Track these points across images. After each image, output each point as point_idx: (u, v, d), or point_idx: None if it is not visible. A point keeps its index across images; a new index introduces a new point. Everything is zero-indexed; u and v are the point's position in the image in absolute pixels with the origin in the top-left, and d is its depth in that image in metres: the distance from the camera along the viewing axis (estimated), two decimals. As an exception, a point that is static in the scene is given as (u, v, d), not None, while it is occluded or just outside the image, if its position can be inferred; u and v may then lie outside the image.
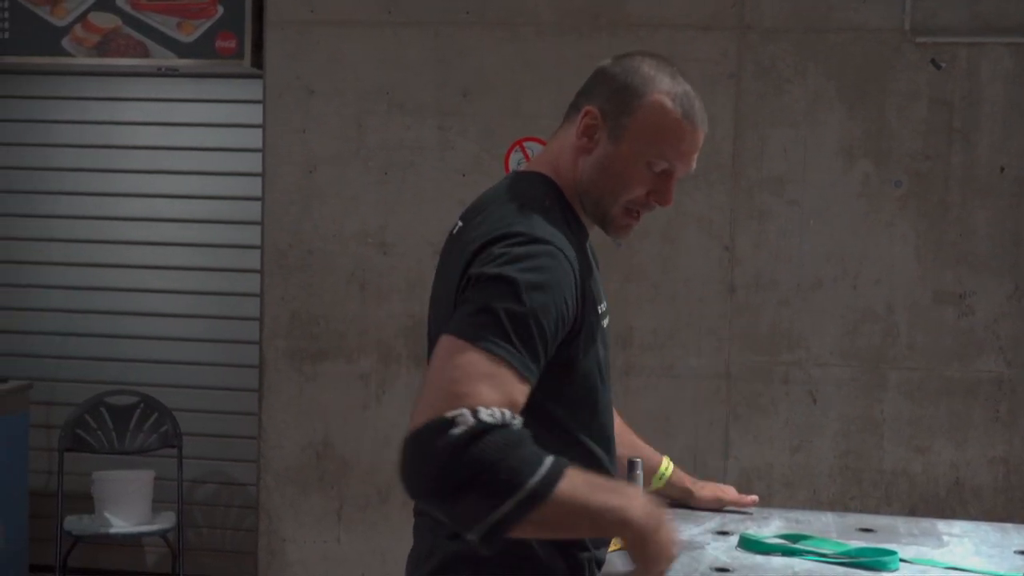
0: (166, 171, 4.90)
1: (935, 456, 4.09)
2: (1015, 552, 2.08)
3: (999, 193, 4.04)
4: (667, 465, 2.30)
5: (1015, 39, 4.00)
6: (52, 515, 4.54)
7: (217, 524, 4.91)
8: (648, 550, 1.61)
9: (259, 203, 4.42)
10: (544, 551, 1.79)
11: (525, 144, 4.24)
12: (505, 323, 1.63)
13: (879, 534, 2.16)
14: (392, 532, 4.33)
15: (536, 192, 1.85)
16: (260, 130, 4.39)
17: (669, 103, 1.84)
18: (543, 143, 4.21)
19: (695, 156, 1.86)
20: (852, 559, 1.97)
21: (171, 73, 4.71)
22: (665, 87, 1.85)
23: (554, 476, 1.53)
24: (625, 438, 2.25)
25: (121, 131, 4.93)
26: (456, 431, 1.52)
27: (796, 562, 1.98)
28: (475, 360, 1.60)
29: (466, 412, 1.53)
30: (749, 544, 2.05)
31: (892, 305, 4.09)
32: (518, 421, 1.58)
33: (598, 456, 1.85)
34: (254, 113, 4.54)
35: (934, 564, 1.98)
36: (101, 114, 4.94)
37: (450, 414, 1.53)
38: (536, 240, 1.71)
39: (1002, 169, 4.05)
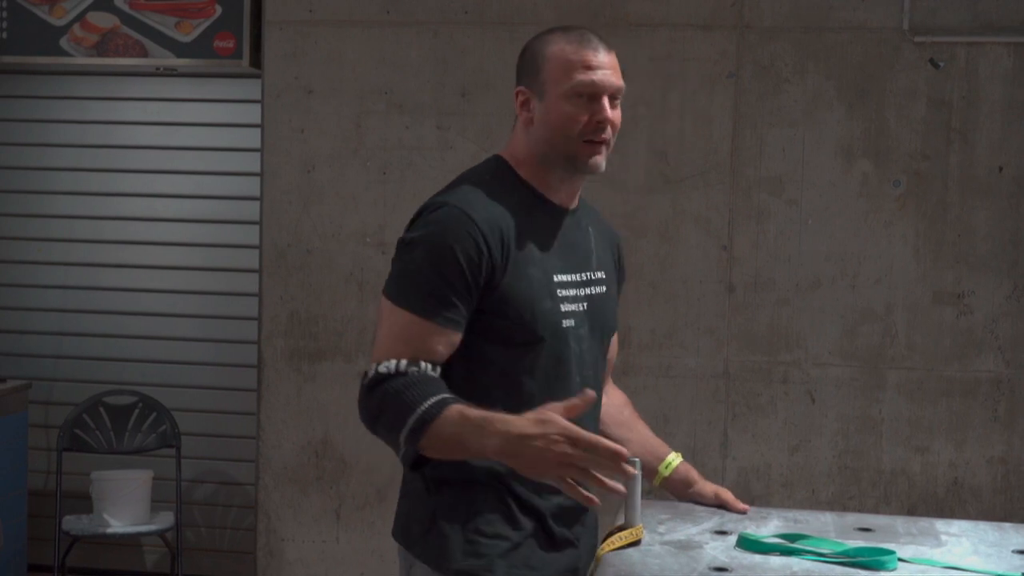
0: (165, 171, 4.90)
1: (934, 456, 4.09)
2: (1013, 552, 2.08)
3: (998, 193, 4.04)
4: (674, 457, 2.37)
5: (1014, 39, 4.00)
6: (51, 515, 4.54)
7: (216, 524, 4.91)
8: (523, 468, 1.83)
9: (258, 203, 4.42)
10: (466, 485, 2.04)
11: (524, 144, 4.23)
12: (414, 280, 1.98)
13: (877, 534, 2.16)
14: (390, 531, 4.33)
15: (479, 169, 2.14)
16: (259, 130, 4.39)
17: (563, 43, 2.08)
18: (542, 143, 4.23)
19: (608, 72, 2.07)
20: (850, 559, 1.97)
21: (169, 73, 4.70)
22: (557, 36, 2.11)
23: (429, 415, 1.87)
24: (637, 429, 2.39)
25: (119, 131, 4.93)
26: (364, 381, 1.97)
27: (794, 562, 1.98)
28: (394, 318, 2.00)
29: (372, 367, 1.97)
30: (747, 544, 2.05)
31: (891, 305, 4.09)
32: (419, 367, 1.94)
33: (538, 399, 1.96)
34: (253, 113, 4.54)
35: (932, 564, 1.98)
36: (99, 114, 4.94)
37: (367, 368, 1.98)
38: (440, 205, 2.02)
39: (1001, 169, 4.05)
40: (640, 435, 2.37)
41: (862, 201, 4.10)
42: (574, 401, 1.83)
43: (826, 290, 4.11)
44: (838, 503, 4.11)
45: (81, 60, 4.47)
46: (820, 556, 2.00)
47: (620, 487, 1.80)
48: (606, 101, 2.06)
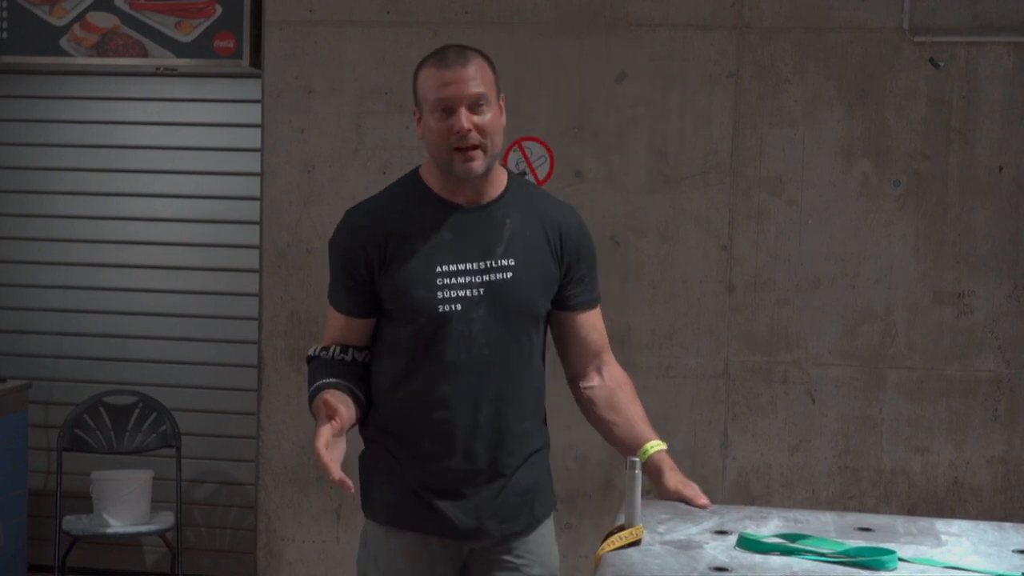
0: (165, 171, 4.89)
1: (934, 456, 4.09)
2: (1013, 551, 2.08)
3: (998, 193, 4.04)
4: (653, 445, 2.44)
5: (1014, 38, 4.00)
6: (51, 515, 4.54)
7: (216, 524, 4.91)
8: None
9: (258, 203, 4.42)
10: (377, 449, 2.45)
11: (524, 143, 4.24)
12: (331, 279, 2.45)
13: (878, 533, 2.16)
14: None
15: (396, 181, 2.49)
16: (259, 130, 4.39)
17: (428, 65, 2.34)
18: (542, 143, 4.23)
19: (460, 84, 2.29)
20: (851, 558, 1.97)
21: (170, 73, 4.70)
22: (427, 60, 2.36)
23: (310, 398, 2.34)
24: (625, 413, 2.52)
25: (120, 131, 4.92)
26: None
27: (795, 561, 1.98)
28: (328, 309, 2.47)
29: (313, 348, 2.47)
30: (748, 544, 2.05)
31: (891, 305, 4.09)
32: (329, 351, 2.41)
33: (414, 368, 2.38)
34: (253, 113, 4.54)
35: (932, 563, 1.98)
36: (99, 114, 4.93)
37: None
38: (344, 216, 2.47)
39: (1001, 169, 4.05)
40: (627, 419, 2.50)
41: (862, 201, 4.10)
42: (331, 418, 2.18)
43: (826, 290, 4.11)
44: (838, 503, 4.11)
45: (81, 60, 4.47)
46: (820, 556, 2.00)
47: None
48: (463, 111, 2.29)
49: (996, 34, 4.02)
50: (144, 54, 4.41)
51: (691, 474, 4.34)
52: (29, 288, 4.98)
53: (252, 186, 4.56)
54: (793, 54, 4.10)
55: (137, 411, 4.63)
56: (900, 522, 2.26)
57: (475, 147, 2.30)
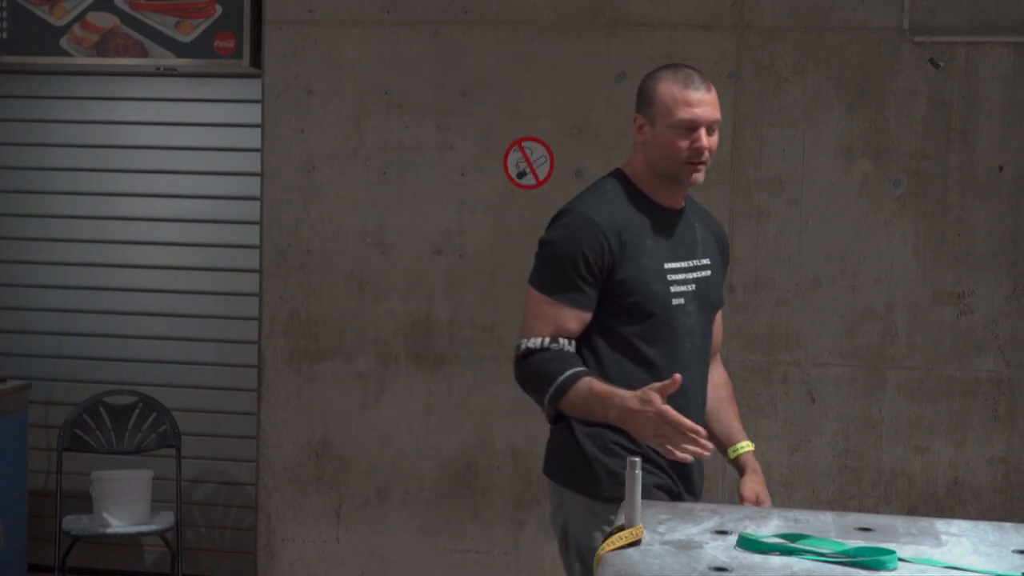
0: (165, 171, 4.89)
1: (934, 456, 4.09)
2: (1013, 551, 2.08)
3: (998, 193, 4.04)
4: (744, 445, 2.76)
5: (1014, 38, 4.00)
6: (51, 515, 4.54)
7: (216, 524, 4.91)
8: (633, 431, 2.40)
9: (258, 203, 4.41)
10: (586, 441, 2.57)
11: (524, 144, 4.24)
12: (549, 270, 2.56)
13: (878, 533, 2.16)
14: (391, 531, 4.34)
15: (601, 181, 2.67)
16: (259, 130, 4.39)
17: (671, 82, 2.58)
18: (542, 143, 4.23)
19: (706, 107, 2.55)
20: (851, 558, 1.97)
21: (170, 73, 4.70)
22: (667, 76, 2.60)
23: (565, 386, 2.47)
24: (722, 412, 2.80)
25: (120, 131, 4.92)
26: (517, 353, 2.56)
27: (795, 561, 1.98)
28: (535, 301, 2.58)
29: (523, 341, 2.55)
30: (748, 544, 2.05)
31: (891, 305, 4.09)
32: (559, 343, 2.52)
33: (651, 359, 2.56)
34: (253, 113, 4.54)
35: (932, 563, 1.98)
36: (99, 114, 4.93)
37: (519, 342, 2.57)
38: (569, 211, 2.59)
39: (1001, 169, 4.05)
40: (723, 417, 2.81)
41: (862, 201, 4.10)
42: (666, 383, 2.34)
43: (826, 290, 4.11)
44: (838, 503, 4.11)
45: (81, 60, 4.47)
46: (820, 556, 2.00)
47: (689, 457, 2.32)
48: (703, 132, 2.55)
49: (996, 34, 4.02)
50: (144, 54, 4.41)
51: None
52: (29, 288, 4.98)
53: (252, 186, 4.56)
54: (793, 54, 4.10)
55: (137, 411, 4.63)
56: (900, 522, 2.26)
57: (704, 163, 2.57)
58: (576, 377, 2.47)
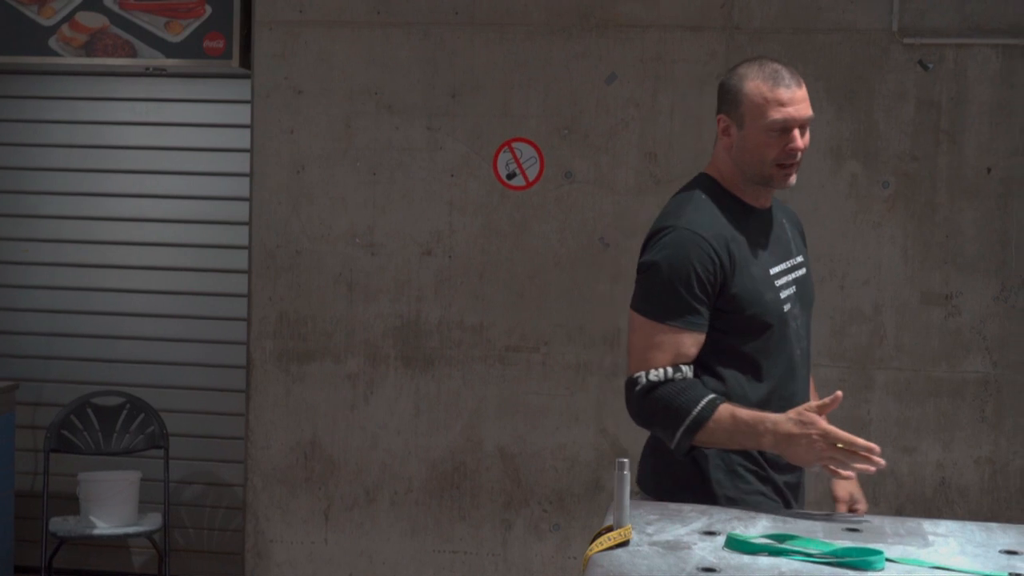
0: (154, 171, 4.88)
1: (922, 456, 4.10)
2: (1000, 552, 2.09)
3: (986, 194, 4.05)
4: None
5: (1002, 40, 4.01)
6: (38, 516, 4.52)
7: (204, 525, 4.89)
8: (793, 459, 2.31)
9: (247, 203, 4.41)
10: (714, 470, 2.43)
11: (514, 144, 4.24)
12: (660, 294, 2.38)
13: (865, 534, 2.17)
14: (379, 532, 4.33)
15: (691, 190, 2.50)
16: (248, 130, 4.38)
17: (759, 79, 2.40)
18: (532, 143, 4.23)
19: (799, 105, 2.40)
20: (838, 559, 1.97)
21: (159, 73, 4.69)
22: (754, 73, 2.42)
23: (703, 417, 2.32)
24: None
25: (109, 131, 4.91)
26: (637, 388, 2.38)
27: (783, 562, 1.98)
28: (647, 330, 2.40)
29: (642, 374, 2.37)
30: (736, 544, 2.05)
31: (880, 306, 4.10)
32: (682, 372, 2.36)
33: (767, 372, 2.44)
34: (242, 113, 4.53)
35: (920, 564, 1.99)
36: (89, 114, 4.91)
37: (635, 375, 2.39)
38: (671, 228, 2.41)
39: (989, 170, 4.06)
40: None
41: (851, 202, 4.11)
42: (825, 401, 2.29)
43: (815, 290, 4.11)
44: (826, 503, 4.11)
45: (70, 60, 4.46)
46: (808, 556, 2.00)
47: (872, 468, 2.28)
48: (797, 132, 2.41)
49: (984, 36, 4.03)
50: (133, 54, 4.40)
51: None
52: (17, 288, 4.96)
53: (241, 187, 4.55)
54: (782, 55, 4.10)
55: (125, 412, 4.62)
56: (888, 522, 2.27)
57: (797, 164, 2.44)
58: (714, 406, 2.32)
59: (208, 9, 4.36)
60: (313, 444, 4.35)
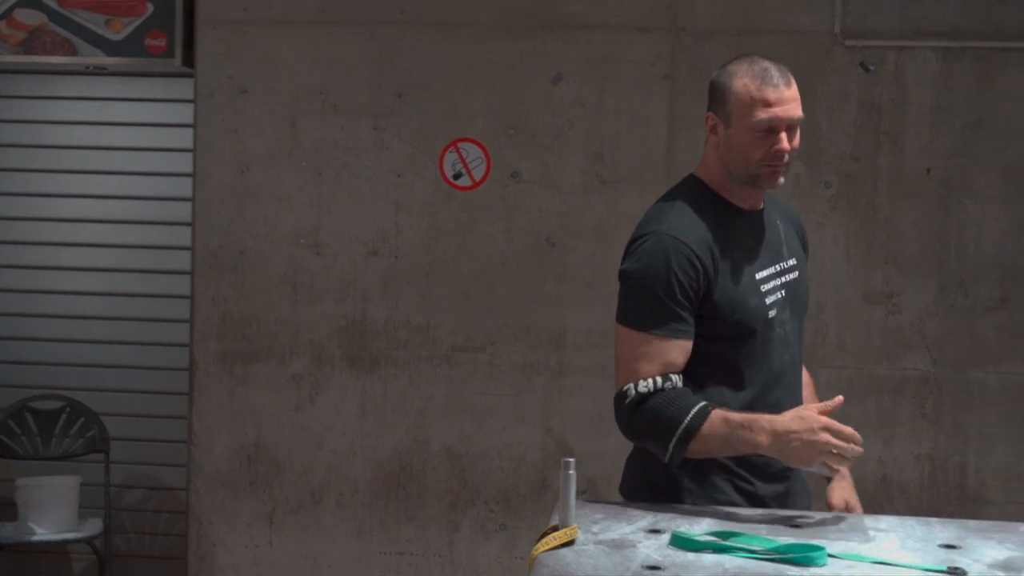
0: (95, 171, 4.82)
1: (863, 453, 4.13)
2: (939, 546, 2.11)
3: (926, 195, 4.11)
4: None
5: (941, 43, 4.07)
6: (-25, 522, 4.44)
7: (146, 530, 4.84)
8: (790, 459, 2.22)
9: (190, 203, 4.36)
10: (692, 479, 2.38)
11: (460, 144, 4.23)
12: (642, 303, 2.32)
13: (807, 530, 2.18)
14: (325, 535, 4.30)
15: (675, 193, 2.44)
16: (191, 130, 4.33)
17: (747, 78, 2.34)
18: (479, 144, 4.22)
19: (786, 106, 2.33)
20: (781, 555, 1.98)
21: (100, 72, 4.63)
22: (743, 71, 2.35)
23: (695, 425, 2.24)
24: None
25: (49, 130, 4.84)
26: (627, 401, 2.32)
27: (727, 559, 1.99)
28: (632, 341, 2.33)
29: (631, 387, 2.31)
30: (680, 542, 2.05)
31: (822, 305, 4.14)
32: (671, 381, 2.29)
33: (749, 379, 2.38)
34: (185, 113, 4.48)
35: (861, 559, 2.00)
36: (28, 113, 4.84)
37: (623, 388, 2.32)
38: (651, 234, 2.35)
39: (928, 171, 4.12)
40: None
41: (794, 202, 4.13)
42: (827, 405, 2.24)
43: (759, 291, 4.15)
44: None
45: (8, 58, 4.39)
46: (752, 553, 2.01)
47: (860, 450, 2.21)
48: (784, 133, 2.34)
49: (924, 39, 4.09)
50: (73, 52, 4.33)
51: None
52: (-47, 291, 4.87)
53: (184, 187, 4.50)
54: (728, 56, 4.12)
55: (64, 416, 4.55)
56: (830, 518, 2.28)
57: (786, 165, 2.37)
58: (705, 413, 2.24)
59: (150, 7, 4.30)
60: (257, 446, 4.30)
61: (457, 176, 4.24)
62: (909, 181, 4.11)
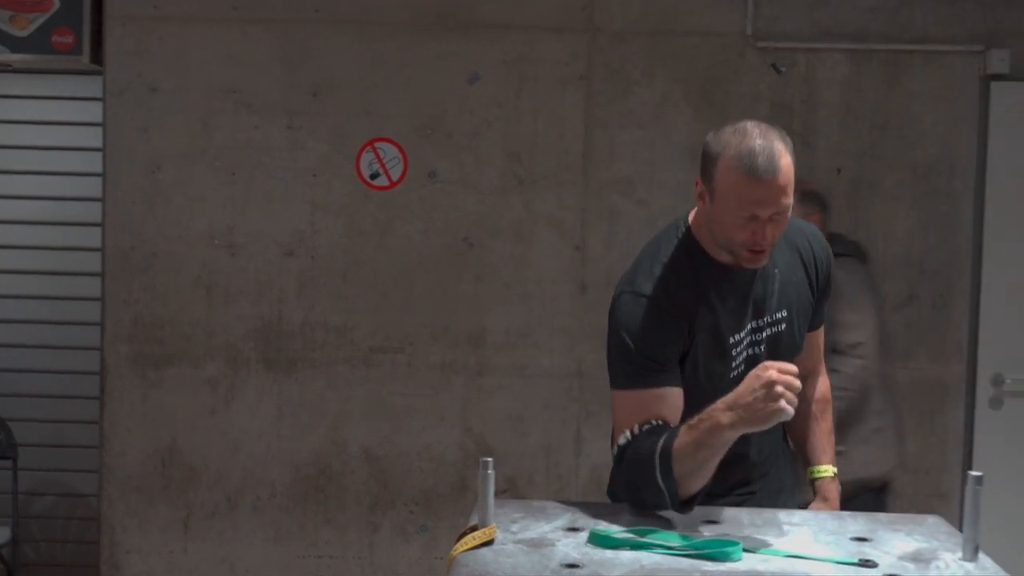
0: (1, 171, 4.71)
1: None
2: (851, 539, 2.16)
3: (836, 194, 4.19)
4: (824, 469, 2.63)
5: (850, 45, 4.16)
6: None
7: (56, 537, 4.75)
8: (755, 421, 2.11)
9: (100, 204, 4.27)
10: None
11: (377, 144, 4.20)
12: (621, 363, 2.31)
13: (723, 526, 2.21)
14: (241, 539, 4.24)
15: (658, 247, 2.39)
16: (100, 128, 4.25)
17: (734, 165, 2.21)
18: (395, 143, 4.20)
19: (771, 200, 2.20)
20: (697, 551, 2.01)
21: (5, 69, 4.52)
22: (732, 150, 2.22)
23: (668, 444, 2.18)
24: (812, 428, 2.65)
25: (-49, 128, 4.71)
26: (615, 461, 2.32)
27: (644, 556, 2.01)
28: (619, 400, 2.33)
29: (617, 446, 2.30)
30: (598, 540, 2.07)
31: (737, 303, 4.19)
32: (650, 425, 2.25)
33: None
34: (94, 111, 4.40)
35: (776, 553, 2.04)
36: (-72, 110, 4.72)
37: (613, 450, 2.32)
38: (627, 294, 2.33)
39: (839, 171, 4.20)
40: (812, 434, 2.66)
41: (709, 202, 4.20)
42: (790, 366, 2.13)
43: (675, 289, 4.19)
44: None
45: (-94, 54, 4.26)
46: (669, 549, 2.03)
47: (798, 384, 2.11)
48: (768, 224, 2.23)
49: (833, 41, 4.17)
50: (-25, 48, 4.22)
51: (545, 472, 4.35)
52: None
53: (94, 187, 4.41)
54: (642, 57, 4.17)
55: (-30, 422, 4.44)
56: (744, 514, 2.32)
57: (765, 250, 2.28)
58: (674, 434, 2.19)
59: (56, 3, 4.21)
60: (171, 451, 4.23)
61: (374, 176, 4.21)
62: (820, 181, 4.18)
